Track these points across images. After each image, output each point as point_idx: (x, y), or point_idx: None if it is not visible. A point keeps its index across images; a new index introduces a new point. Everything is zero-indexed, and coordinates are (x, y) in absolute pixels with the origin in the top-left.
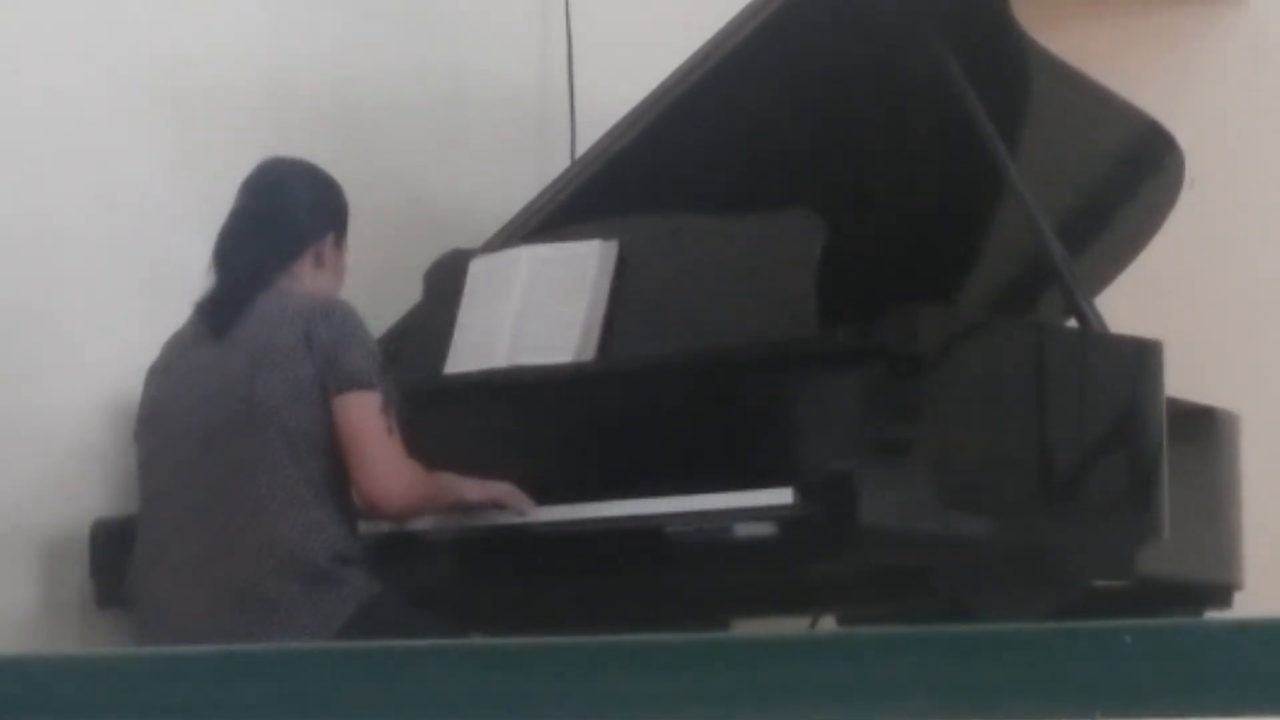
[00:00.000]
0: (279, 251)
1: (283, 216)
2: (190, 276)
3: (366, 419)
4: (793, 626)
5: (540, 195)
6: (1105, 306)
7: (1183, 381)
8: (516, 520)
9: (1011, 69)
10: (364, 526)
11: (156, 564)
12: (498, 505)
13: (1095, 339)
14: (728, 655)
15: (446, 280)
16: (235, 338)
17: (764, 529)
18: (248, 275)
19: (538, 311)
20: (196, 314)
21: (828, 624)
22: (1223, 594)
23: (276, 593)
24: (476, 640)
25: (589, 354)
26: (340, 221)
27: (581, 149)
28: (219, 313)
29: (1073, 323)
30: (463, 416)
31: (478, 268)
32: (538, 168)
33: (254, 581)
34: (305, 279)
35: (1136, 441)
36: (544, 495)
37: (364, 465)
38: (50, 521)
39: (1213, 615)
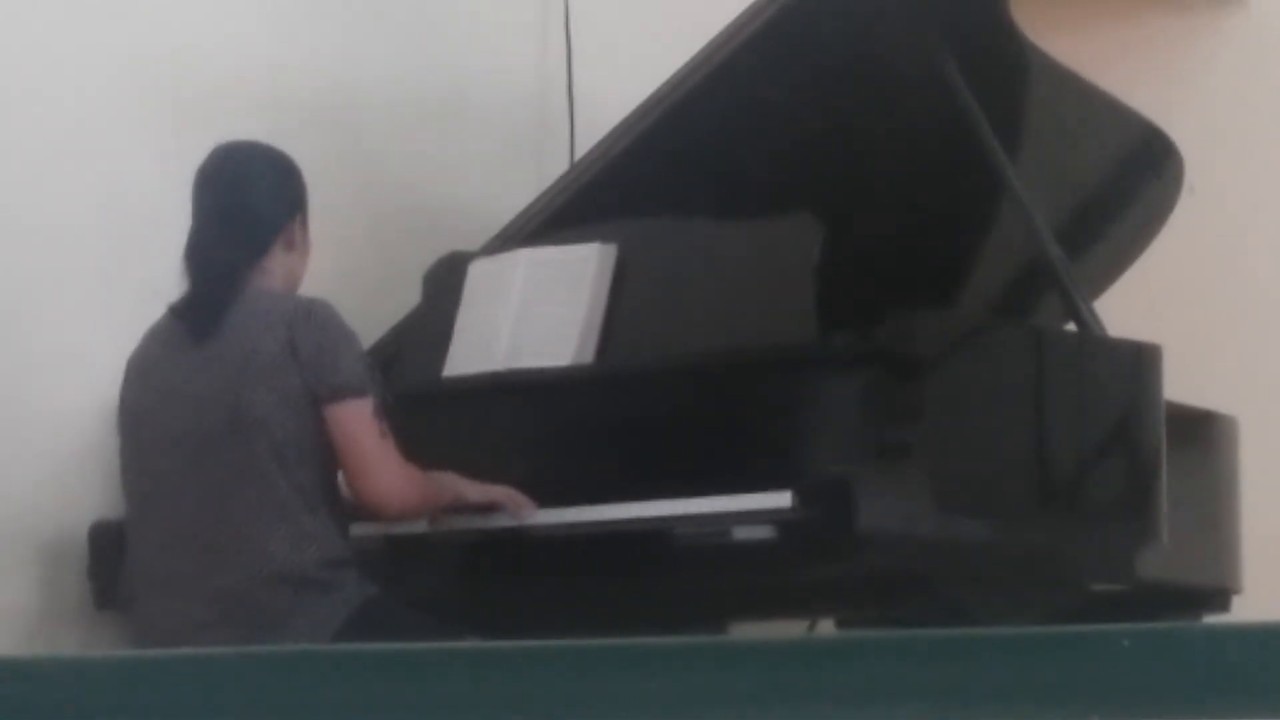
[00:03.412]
0: (250, 246)
1: (249, 210)
2: None
3: (360, 426)
4: (791, 629)
5: (539, 198)
6: (1104, 310)
7: (1182, 385)
8: (514, 523)
9: (1011, 73)
10: (362, 529)
11: (147, 577)
12: (496, 507)
13: (1094, 343)
14: (725, 658)
15: (445, 282)
16: (217, 345)
17: (763, 532)
18: (223, 275)
19: (537, 314)
20: (172, 317)
21: (826, 627)
22: (1221, 598)
23: (269, 601)
24: (473, 643)
25: (588, 357)
26: (303, 202)
27: (581, 151)
28: (198, 316)
29: (1071, 327)
30: (461, 419)
31: (477, 270)
32: (537, 170)
33: (246, 592)
34: (277, 266)
35: (1135, 445)
36: (542, 498)
37: (361, 471)
38: (49, 523)
39: (1211, 619)
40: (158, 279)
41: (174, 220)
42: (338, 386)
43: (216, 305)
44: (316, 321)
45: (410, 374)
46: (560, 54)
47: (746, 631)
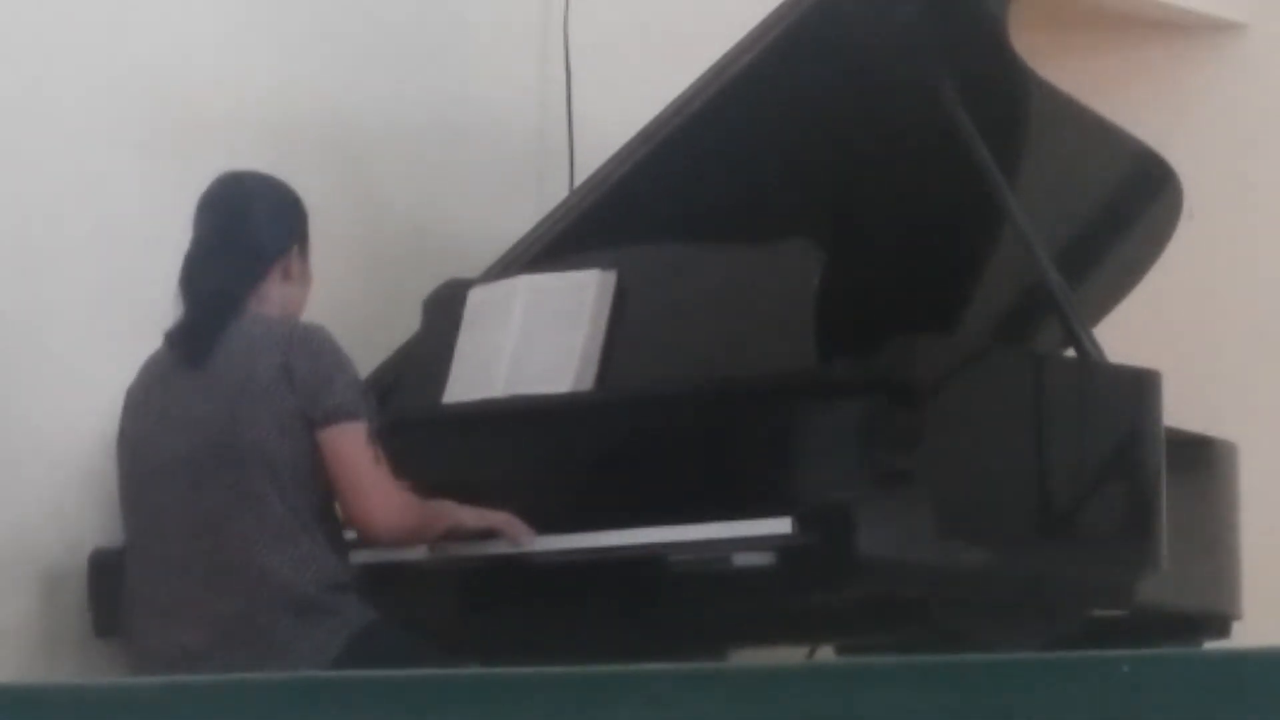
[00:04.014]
0: (246, 273)
1: (246, 236)
2: None
3: (354, 450)
4: (790, 656)
5: (539, 224)
6: (1104, 336)
7: (1181, 411)
8: (514, 549)
9: (1010, 99)
10: (361, 555)
11: (146, 603)
12: (496, 533)
13: (1094, 369)
14: (725, 685)
15: (445, 309)
16: (212, 369)
17: (763, 559)
18: (217, 301)
19: (536, 341)
20: (168, 343)
21: (826, 654)
22: (1221, 624)
23: (269, 625)
24: (472, 669)
25: (587, 383)
26: (302, 231)
27: (580, 178)
28: (192, 341)
29: (1071, 353)
30: (461, 446)
31: (476, 297)
32: (537, 197)
33: (246, 616)
34: (274, 295)
35: (1135, 471)
36: (542, 524)
37: (354, 496)
38: (49, 550)
39: (1211, 645)
40: (157, 306)
41: (174, 248)
42: (331, 410)
43: (210, 330)
44: (311, 346)
45: (410, 400)
46: (560, 81)
47: (746, 658)
